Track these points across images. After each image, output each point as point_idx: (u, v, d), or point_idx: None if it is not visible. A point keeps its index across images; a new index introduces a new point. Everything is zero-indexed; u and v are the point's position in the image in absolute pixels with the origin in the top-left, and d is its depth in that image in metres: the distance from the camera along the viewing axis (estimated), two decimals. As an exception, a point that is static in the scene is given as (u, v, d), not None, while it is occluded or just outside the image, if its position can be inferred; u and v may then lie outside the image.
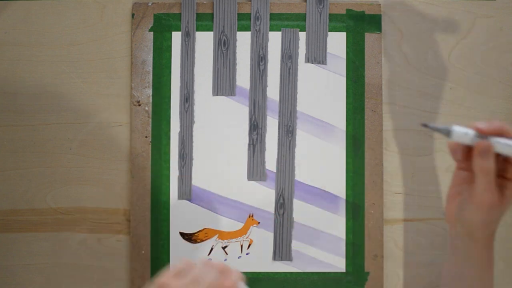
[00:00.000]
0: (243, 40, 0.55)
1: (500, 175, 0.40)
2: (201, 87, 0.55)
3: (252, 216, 0.55)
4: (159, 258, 0.54)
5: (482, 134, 0.39)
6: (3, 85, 0.55)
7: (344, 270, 0.54)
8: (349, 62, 0.55)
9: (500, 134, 0.39)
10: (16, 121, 0.55)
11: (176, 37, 0.55)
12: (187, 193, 0.55)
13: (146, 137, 0.55)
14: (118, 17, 0.56)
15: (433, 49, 0.56)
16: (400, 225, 0.55)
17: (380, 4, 0.55)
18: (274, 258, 0.55)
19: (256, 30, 0.55)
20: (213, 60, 0.55)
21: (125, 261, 0.55)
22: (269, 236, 0.55)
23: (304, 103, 0.55)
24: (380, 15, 0.55)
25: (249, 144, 0.55)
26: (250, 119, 0.55)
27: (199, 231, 0.55)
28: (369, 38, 0.55)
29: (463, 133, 0.40)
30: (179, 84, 0.55)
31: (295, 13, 0.55)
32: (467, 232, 0.41)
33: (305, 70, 0.55)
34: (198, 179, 0.55)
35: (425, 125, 0.42)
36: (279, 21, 0.55)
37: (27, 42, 0.56)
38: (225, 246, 0.55)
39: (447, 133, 0.41)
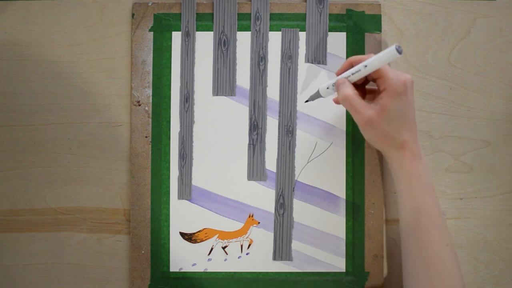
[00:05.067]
0: (243, 40, 0.55)
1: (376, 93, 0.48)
2: (201, 87, 0.55)
3: (252, 216, 0.55)
4: (159, 258, 0.54)
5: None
6: (3, 85, 0.56)
7: (344, 270, 0.54)
8: (349, 62, 0.55)
9: (352, 65, 0.49)
10: (16, 121, 0.55)
11: (176, 37, 0.55)
12: (187, 193, 0.55)
13: (146, 137, 0.55)
14: (118, 17, 0.56)
15: (433, 49, 0.56)
16: (400, 225, 0.55)
17: (380, 4, 0.56)
18: (274, 258, 0.55)
19: (256, 30, 0.55)
20: (213, 60, 0.55)
21: (125, 261, 0.55)
22: (269, 236, 0.55)
23: (304, 103, 0.55)
24: (380, 15, 0.55)
25: (249, 144, 0.55)
26: (250, 119, 0.55)
27: (199, 231, 0.55)
28: (369, 38, 0.55)
29: (326, 87, 0.50)
30: (179, 84, 0.55)
31: (295, 13, 0.55)
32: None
33: (305, 70, 0.55)
34: (198, 179, 0.55)
35: (306, 101, 0.53)
36: (279, 21, 0.55)
37: (27, 42, 0.56)
38: (225, 246, 0.55)
39: (318, 94, 0.51)
